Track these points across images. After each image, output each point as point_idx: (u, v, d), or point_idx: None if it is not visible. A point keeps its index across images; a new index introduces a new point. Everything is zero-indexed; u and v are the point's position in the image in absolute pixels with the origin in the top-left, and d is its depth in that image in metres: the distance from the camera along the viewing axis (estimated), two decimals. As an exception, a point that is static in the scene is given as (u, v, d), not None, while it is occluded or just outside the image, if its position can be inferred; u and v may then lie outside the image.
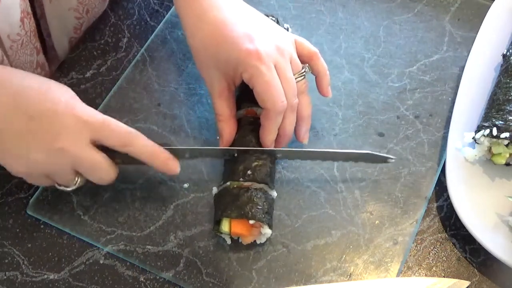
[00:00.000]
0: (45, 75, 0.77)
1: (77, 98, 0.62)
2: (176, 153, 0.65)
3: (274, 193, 0.67)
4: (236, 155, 0.67)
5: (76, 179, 0.63)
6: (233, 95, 0.68)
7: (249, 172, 0.65)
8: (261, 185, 0.65)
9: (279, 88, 0.64)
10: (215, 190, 0.68)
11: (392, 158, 0.68)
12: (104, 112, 0.75)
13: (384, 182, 0.70)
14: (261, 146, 0.67)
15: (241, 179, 0.65)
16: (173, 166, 0.64)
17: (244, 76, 0.64)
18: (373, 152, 0.68)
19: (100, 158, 0.61)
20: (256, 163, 0.65)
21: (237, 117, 0.69)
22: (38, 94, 0.60)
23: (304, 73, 0.68)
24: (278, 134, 0.67)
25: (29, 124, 0.59)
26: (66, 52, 0.81)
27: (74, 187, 0.64)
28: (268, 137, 0.66)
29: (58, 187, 0.64)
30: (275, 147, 0.68)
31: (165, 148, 0.64)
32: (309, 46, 0.69)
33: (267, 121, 0.65)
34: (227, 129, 0.67)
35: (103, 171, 0.62)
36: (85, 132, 0.60)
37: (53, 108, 0.59)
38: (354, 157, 0.69)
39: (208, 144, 0.73)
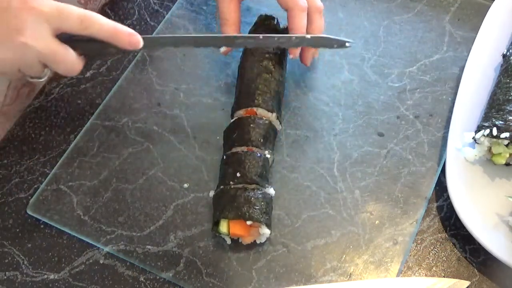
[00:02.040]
0: None
1: None
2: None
3: (272, 191, 0.67)
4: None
5: (45, 70, 0.64)
6: (239, 4, 0.71)
7: (238, 174, 0.65)
8: (253, 186, 0.65)
9: None
10: (211, 194, 0.68)
11: (349, 42, 0.68)
12: (105, 112, 0.75)
13: (384, 182, 0.70)
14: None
15: (231, 182, 0.65)
16: (135, 40, 0.65)
17: None
18: (330, 36, 0.68)
19: (63, 50, 0.62)
20: (248, 163, 0.65)
21: (236, 117, 0.69)
22: None
23: None
24: None
25: None
26: None
27: (45, 78, 0.66)
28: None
29: (31, 80, 0.66)
30: (304, 56, 0.72)
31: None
32: None
33: (293, 22, 0.68)
34: (231, 32, 0.70)
35: (68, 62, 0.63)
36: (44, 24, 0.60)
37: (7, 6, 0.59)
38: (311, 42, 0.69)
39: (208, 144, 0.73)
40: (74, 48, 0.63)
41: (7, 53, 0.61)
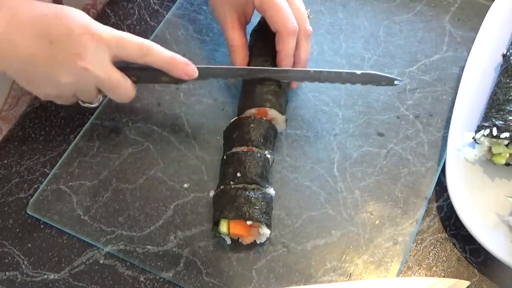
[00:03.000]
0: None
1: (90, 18, 0.64)
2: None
3: (272, 191, 0.67)
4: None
5: (99, 96, 0.67)
6: (244, 28, 0.73)
7: (238, 174, 0.65)
8: (253, 186, 0.65)
9: (289, 11, 0.68)
10: (212, 194, 0.68)
11: (399, 80, 0.69)
12: (105, 112, 0.75)
13: (384, 182, 0.70)
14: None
15: (231, 182, 0.65)
16: (191, 70, 0.67)
17: (255, 2, 0.69)
18: (379, 73, 0.69)
19: (120, 77, 0.65)
20: (248, 163, 0.65)
21: (249, 113, 0.70)
22: (52, 19, 0.61)
23: (307, 16, 0.71)
24: (294, 62, 0.70)
25: (51, 49, 0.61)
26: None
27: (97, 104, 0.68)
28: (285, 61, 0.69)
29: (82, 104, 0.68)
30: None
31: None
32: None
33: (281, 45, 0.69)
34: (239, 57, 0.72)
35: (123, 89, 0.66)
36: (104, 50, 0.62)
37: (70, 30, 0.61)
38: (361, 78, 0.69)
39: (208, 144, 0.73)
40: (129, 75, 0.65)
41: (67, 77, 0.62)
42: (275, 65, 0.71)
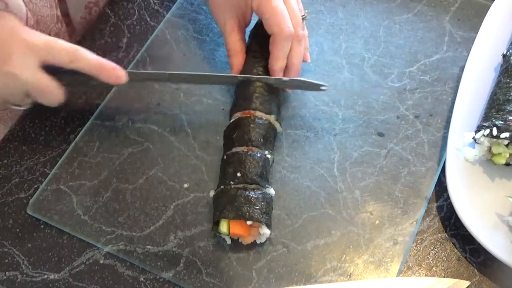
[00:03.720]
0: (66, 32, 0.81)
1: (21, 23, 0.65)
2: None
3: (272, 191, 0.67)
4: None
5: (28, 99, 0.67)
6: (243, 32, 0.74)
7: (238, 174, 0.65)
8: (253, 186, 0.65)
9: (286, 14, 0.68)
10: (212, 193, 0.68)
11: (324, 85, 0.71)
12: (105, 112, 0.75)
13: (384, 182, 0.70)
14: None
15: (231, 182, 0.65)
16: (119, 75, 0.67)
17: (253, 5, 0.69)
18: (306, 79, 0.71)
19: (48, 82, 0.65)
20: (248, 163, 0.65)
21: (236, 117, 0.69)
22: None
23: (303, 17, 0.72)
24: (286, 66, 0.71)
25: None
26: (82, 22, 0.84)
27: (27, 107, 0.69)
28: (277, 64, 0.70)
29: (13, 107, 0.68)
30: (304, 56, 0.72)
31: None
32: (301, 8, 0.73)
33: (275, 47, 0.69)
34: (237, 61, 0.73)
35: (52, 94, 0.66)
36: (33, 56, 0.63)
37: None
38: (287, 83, 0.71)
39: (208, 144, 0.73)
40: (58, 79, 0.66)
41: None
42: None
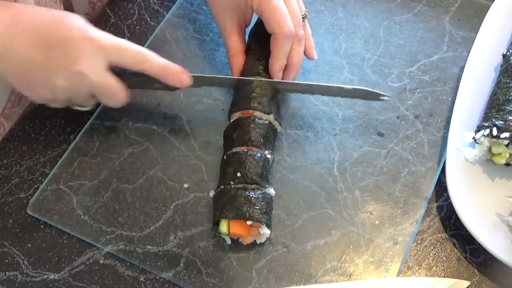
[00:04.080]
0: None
1: (88, 24, 0.64)
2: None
3: (272, 191, 0.67)
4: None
5: (92, 100, 0.68)
6: (243, 33, 0.74)
7: (238, 174, 0.65)
8: (253, 186, 0.65)
9: (286, 13, 0.68)
10: (212, 193, 0.68)
11: (386, 95, 0.71)
12: (105, 112, 0.75)
13: (384, 182, 0.70)
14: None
15: (231, 182, 0.65)
16: (184, 78, 0.68)
17: (253, 4, 0.69)
18: (367, 88, 0.71)
19: (114, 83, 0.65)
20: (248, 163, 0.65)
21: (235, 117, 0.70)
22: (51, 25, 0.62)
23: (304, 16, 0.72)
24: (286, 65, 0.71)
25: (49, 53, 0.61)
26: (87, 18, 0.84)
27: (90, 108, 0.70)
28: (277, 64, 0.70)
29: (75, 108, 0.69)
30: (283, 79, 0.72)
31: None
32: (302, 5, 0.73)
33: (275, 46, 0.69)
34: (237, 62, 0.73)
35: (117, 94, 0.66)
36: (101, 56, 0.63)
37: (68, 35, 0.62)
38: (350, 92, 0.72)
39: (208, 144, 0.73)
40: (123, 80, 0.66)
41: (63, 81, 0.63)
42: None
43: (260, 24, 0.73)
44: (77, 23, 0.63)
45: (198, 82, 0.70)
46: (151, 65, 0.66)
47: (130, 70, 0.66)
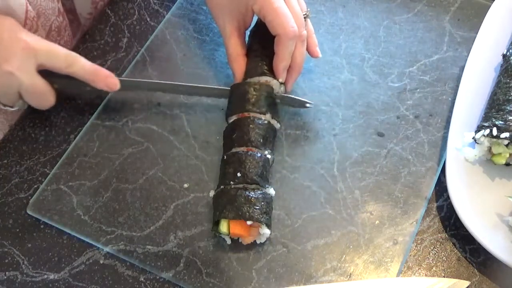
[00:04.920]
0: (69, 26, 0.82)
1: (20, 26, 0.66)
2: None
3: (272, 191, 0.67)
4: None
5: (20, 101, 0.68)
6: (243, 35, 0.74)
7: (238, 174, 0.65)
8: (253, 186, 0.65)
9: (289, 14, 0.68)
10: (212, 193, 0.68)
11: (310, 103, 0.72)
12: (105, 112, 0.76)
13: (384, 182, 0.70)
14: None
15: (231, 182, 0.65)
16: (112, 82, 0.70)
17: (255, 8, 0.69)
18: (293, 96, 0.73)
19: (43, 85, 0.67)
20: (248, 163, 0.65)
21: (232, 120, 0.70)
22: None
23: (305, 15, 0.72)
24: (290, 66, 0.71)
25: None
26: (90, 18, 0.85)
27: (16, 108, 0.70)
28: (282, 64, 0.70)
29: (2, 107, 0.69)
30: (287, 80, 0.72)
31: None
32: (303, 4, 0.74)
33: (279, 47, 0.69)
34: (238, 66, 0.73)
35: (45, 97, 0.68)
36: (31, 58, 0.64)
37: None
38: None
39: (208, 144, 0.73)
40: (51, 83, 0.68)
41: None
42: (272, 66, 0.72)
43: (260, 24, 0.73)
44: (9, 24, 0.64)
45: (128, 86, 0.72)
46: (80, 68, 0.67)
47: (59, 73, 0.67)
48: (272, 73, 0.72)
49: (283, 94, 0.72)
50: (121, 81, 0.70)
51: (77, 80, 0.68)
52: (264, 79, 0.71)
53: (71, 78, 0.68)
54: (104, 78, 0.69)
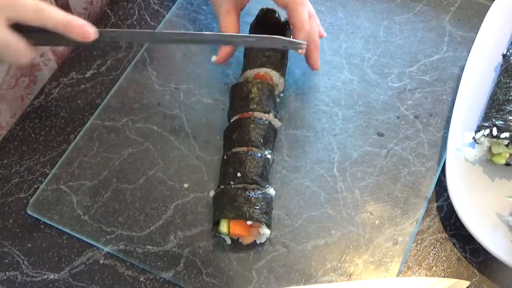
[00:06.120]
0: None
1: None
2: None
3: (272, 191, 0.67)
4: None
5: None
6: (238, 15, 0.72)
7: (238, 174, 0.65)
8: (253, 186, 0.65)
9: None
10: (212, 193, 0.68)
11: (302, 43, 0.69)
12: (105, 112, 0.76)
13: (384, 182, 0.70)
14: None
15: (231, 182, 0.65)
16: (87, 32, 0.64)
17: None
18: (281, 37, 0.68)
19: (15, 40, 0.62)
20: (248, 163, 0.65)
21: (236, 118, 0.70)
22: None
23: None
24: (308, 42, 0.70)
25: None
26: (85, 13, 0.84)
27: None
28: (301, 34, 0.69)
29: None
30: (310, 60, 0.72)
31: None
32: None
33: (294, 19, 0.69)
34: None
35: (20, 52, 0.63)
36: None
37: None
38: (265, 42, 0.69)
39: (208, 144, 0.73)
40: (27, 37, 0.63)
41: None
42: (274, 58, 0.72)
43: (260, 18, 0.74)
44: None
45: (105, 36, 0.67)
46: (51, 19, 0.63)
47: (34, 27, 0.63)
48: (271, 64, 0.72)
49: (268, 36, 0.69)
50: (100, 32, 0.65)
51: (53, 33, 0.64)
52: (263, 70, 0.71)
53: (47, 31, 0.64)
54: (79, 27, 0.63)
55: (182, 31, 0.72)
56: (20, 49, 0.63)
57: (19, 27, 0.63)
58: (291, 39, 0.69)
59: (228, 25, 0.71)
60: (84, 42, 0.65)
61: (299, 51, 0.70)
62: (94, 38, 0.65)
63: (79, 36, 0.64)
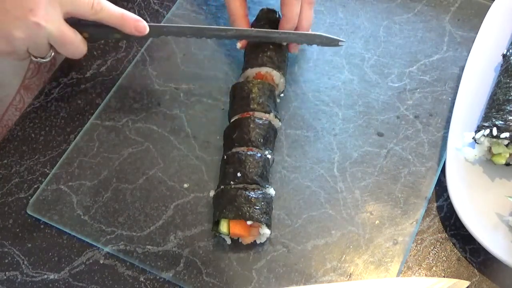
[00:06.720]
0: None
1: None
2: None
3: (272, 191, 0.67)
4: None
5: (51, 51, 0.68)
6: (245, 0, 0.74)
7: (238, 174, 0.65)
8: (254, 186, 0.65)
9: None
10: (212, 193, 0.68)
11: (342, 41, 0.72)
12: (105, 112, 0.76)
13: (384, 182, 0.70)
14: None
15: (231, 182, 0.65)
16: (141, 26, 0.68)
17: None
18: (324, 34, 0.72)
19: (72, 33, 0.66)
20: (249, 163, 0.65)
21: (236, 118, 0.70)
22: None
23: None
24: (296, 28, 0.72)
25: (4, 5, 0.62)
26: None
27: (49, 59, 0.68)
28: (287, 25, 0.72)
29: (34, 59, 0.68)
30: (290, 47, 0.74)
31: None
32: None
33: (285, 8, 0.71)
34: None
35: (75, 45, 0.67)
36: (57, 6, 0.63)
37: None
38: (307, 38, 0.73)
39: (208, 144, 0.73)
40: (80, 32, 0.67)
41: (20, 32, 0.63)
42: (278, 54, 0.72)
43: (261, 17, 0.74)
44: None
45: (157, 31, 0.71)
46: (107, 14, 0.66)
47: (88, 21, 0.66)
48: (272, 63, 0.72)
49: (314, 33, 0.72)
50: (149, 26, 0.69)
51: (106, 27, 0.67)
52: (265, 70, 0.71)
53: (100, 25, 0.67)
54: (132, 22, 0.68)
55: (227, 27, 0.73)
56: (75, 42, 0.67)
57: (74, 21, 0.66)
58: (330, 35, 0.72)
59: (237, 9, 0.73)
60: (136, 36, 0.69)
61: (292, 50, 0.73)
62: (147, 32, 0.69)
63: (133, 30, 0.68)
